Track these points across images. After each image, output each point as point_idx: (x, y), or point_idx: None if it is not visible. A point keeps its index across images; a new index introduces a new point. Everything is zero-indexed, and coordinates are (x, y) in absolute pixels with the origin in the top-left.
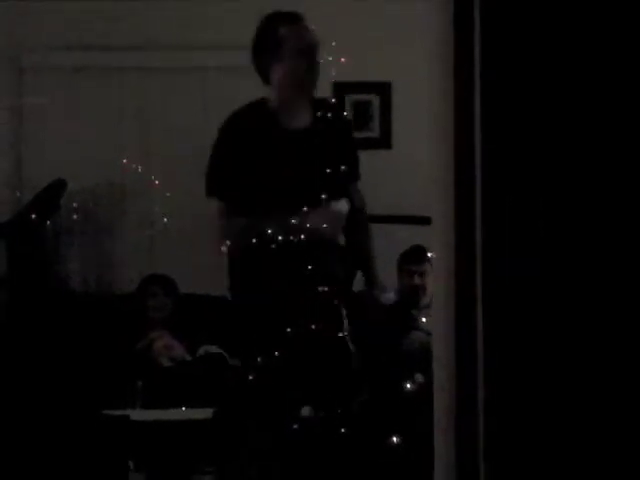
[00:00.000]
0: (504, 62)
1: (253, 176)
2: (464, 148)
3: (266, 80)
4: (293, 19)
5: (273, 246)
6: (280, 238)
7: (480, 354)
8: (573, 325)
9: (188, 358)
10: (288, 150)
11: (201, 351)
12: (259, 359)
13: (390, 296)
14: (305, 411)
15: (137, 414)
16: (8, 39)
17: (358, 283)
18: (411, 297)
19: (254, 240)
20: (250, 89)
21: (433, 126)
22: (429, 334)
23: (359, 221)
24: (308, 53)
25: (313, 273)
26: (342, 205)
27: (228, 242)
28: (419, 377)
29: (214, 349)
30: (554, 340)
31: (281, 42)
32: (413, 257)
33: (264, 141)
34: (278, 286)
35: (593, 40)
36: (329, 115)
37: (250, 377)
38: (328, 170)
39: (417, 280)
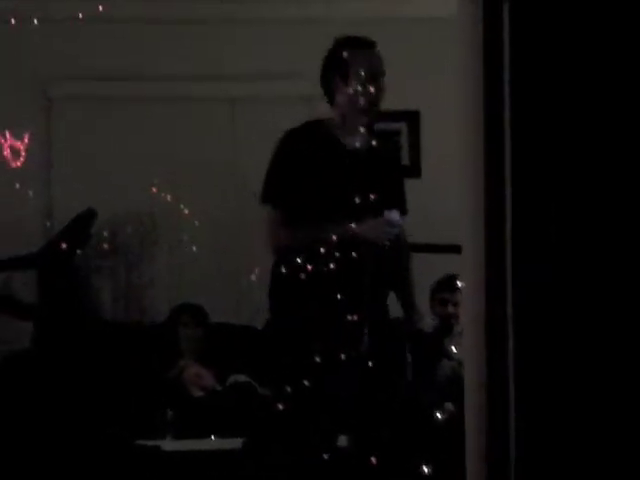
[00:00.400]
0: (533, 90)
1: (307, 188)
2: (494, 176)
3: (330, 99)
4: (365, 44)
5: (302, 276)
6: (310, 266)
7: (511, 383)
8: (607, 354)
9: (218, 388)
10: (343, 167)
11: (231, 380)
12: (289, 388)
13: (429, 322)
14: (342, 441)
15: (168, 444)
16: (36, 69)
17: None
18: (444, 326)
19: (301, 248)
20: (278, 119)
21: (462, 154)
22: (460, 363)
23: (402, 251)
24: (374, 79)
25: (346, 300)
26: (395, 215)
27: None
28: (450, 406)
29: (243, 378)
30: (587, 368)
31: (350, 65)
32: (447, 286)
33: (321, 156)
34: (312, 313)
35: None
36: (384, 143)
37: (280, 406)
38: (378, 193)
39: (450, 309)
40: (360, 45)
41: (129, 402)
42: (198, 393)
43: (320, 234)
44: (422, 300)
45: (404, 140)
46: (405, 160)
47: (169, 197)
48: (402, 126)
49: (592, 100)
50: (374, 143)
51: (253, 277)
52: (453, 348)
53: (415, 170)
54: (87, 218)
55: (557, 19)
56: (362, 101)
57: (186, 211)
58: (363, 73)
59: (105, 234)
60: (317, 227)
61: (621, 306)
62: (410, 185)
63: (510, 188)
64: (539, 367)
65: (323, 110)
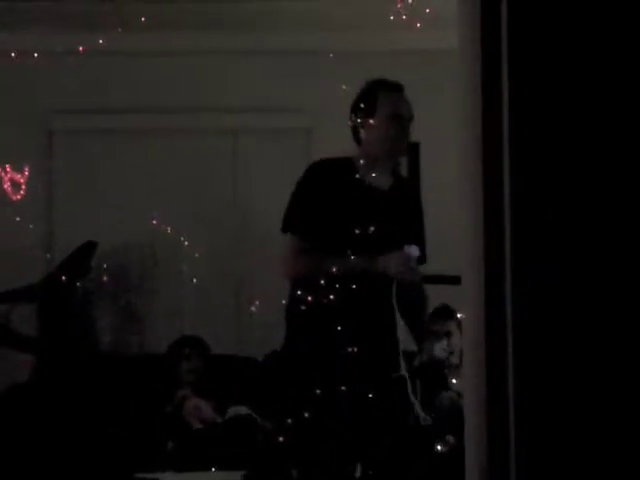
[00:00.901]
0: (531, 121)
1: (327, 219)
2: (493, 208)
3: (357, 139)
4: (395, 88)
5: (317, 305)
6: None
7: (512, 417)
8: (607, 380)
9: (218, 420)
10: (364, 203)
11: (231, 412)
12: (291, 420)
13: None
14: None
15: (168, 477)
16: (37, 103)
17: None
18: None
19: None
20: (279, 150)
21: (461, 186)
22: (459, 394)
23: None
24: (401, 122)
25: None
26: (415, 250)
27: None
28: (450, 438)
29: (244, 410)
30: (588, 394)
31: (379, 106)
32: (439, 316)
33: (342, 190)
34: (324, 342)
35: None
36: (407, 187)
37: (281, 439)
38: (398, 232)
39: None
40: (391, 87)
41: (129, 434)
42: (198, 425)
43: (340, 265)
44: None
45: (403, 172)
46: None
47: (169, 229)
48: (402, 158)
49: (590, 124)
50: (397, 184)
51: (253, 309)
52: (453, 380)
53: None
54: (87, 250)
55: (556, 52)
56: (387, 143)
57: (186, 243)
58: (390, 115)
59: (105, 266)
60: (337, 258)
61: (622, 336)
62: None
63: (509, 219)
64: (539, 393)
65: (322, 143)
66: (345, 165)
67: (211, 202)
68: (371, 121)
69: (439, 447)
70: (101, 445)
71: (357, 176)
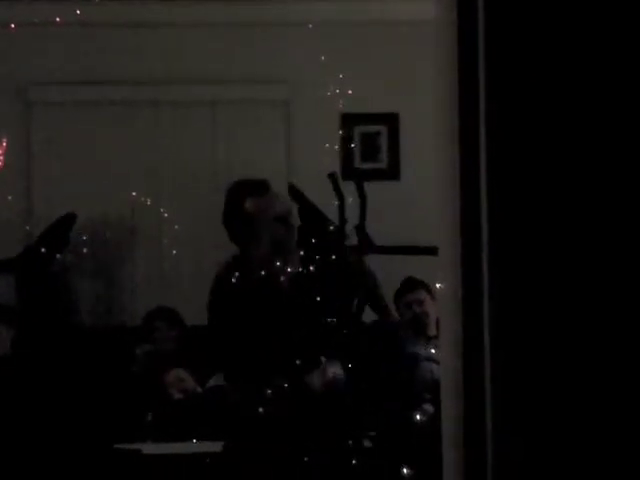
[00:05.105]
0: (508, 91)
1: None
2: (470, 178)
3: (244, 249)
4: (259, 190)
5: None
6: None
7: (488, 385)
8: (586, 359)
9: (198, 390)
10: (277, 308)
11: (211, 383)
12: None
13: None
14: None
15: (148, 447)
16: (16, 73)
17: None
18: (415, 326)
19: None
20: (258, 122)
21: (438, 156)
22: (438, 364)
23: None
24: (280, 222)
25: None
26: (338, 369)
27: None
28: (429, 408)
29: (224, 381)
30: (566, 371)
31: (251, 216)
32: (407, 287)
33: (254, 299)
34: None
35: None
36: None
37: (259, 409)
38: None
39: (417, 309)
40: (254, 191)
41: (109, 406)
42: (178, 396)
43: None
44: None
45: (383, 142)
46: (384, 163)
47: (149, 201)
48: (382, 129)
49: (568, 104)
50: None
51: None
52: (432, 350)
53: (394, 172)
54: (66, 222)
55: (534, 21)
56: (272, 246)
57: (166, 214)
58: (266, 222)
59: (84, 238)
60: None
61: (613, 314)
62: (389, 187)
63: (486, 189)
64: (515, 361)
65: (301, 114)
66: (244, 271)
67: (190, 173)
68: (250, 232)
69: (418, 417)
70: (80, 416)
71: (258, 283)
